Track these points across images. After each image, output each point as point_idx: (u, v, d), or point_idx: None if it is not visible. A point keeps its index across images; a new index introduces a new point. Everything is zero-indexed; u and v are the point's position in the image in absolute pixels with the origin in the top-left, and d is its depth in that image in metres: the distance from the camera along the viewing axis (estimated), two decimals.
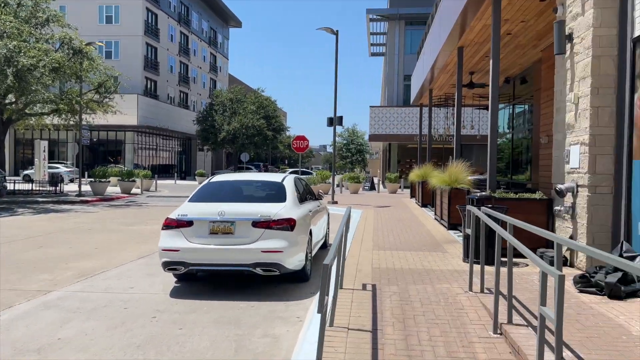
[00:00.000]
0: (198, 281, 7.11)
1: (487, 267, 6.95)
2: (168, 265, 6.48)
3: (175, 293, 6.48)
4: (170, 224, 6.53)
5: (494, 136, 9.18)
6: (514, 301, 4.86)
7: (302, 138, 22.08)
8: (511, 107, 17.10)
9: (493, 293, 5.70)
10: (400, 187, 32.20)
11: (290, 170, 37.14)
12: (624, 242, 6.17)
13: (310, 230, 7.33)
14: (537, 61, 13.45)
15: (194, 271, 6.60)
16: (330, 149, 68.52)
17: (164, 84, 51.99)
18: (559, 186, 7.25)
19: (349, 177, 28.61)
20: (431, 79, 17.46)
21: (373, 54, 53.83)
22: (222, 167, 61.34)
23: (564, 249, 7.20)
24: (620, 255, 6.08)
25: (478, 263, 6.97)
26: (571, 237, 7.23)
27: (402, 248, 8.99)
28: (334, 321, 4.74)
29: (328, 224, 10.27)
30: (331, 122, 18.93)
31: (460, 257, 8.06)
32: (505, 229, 4.74)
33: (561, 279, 2.94)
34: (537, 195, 8.18)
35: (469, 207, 6.08)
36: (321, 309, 3.53)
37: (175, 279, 7.11)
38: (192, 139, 55.80)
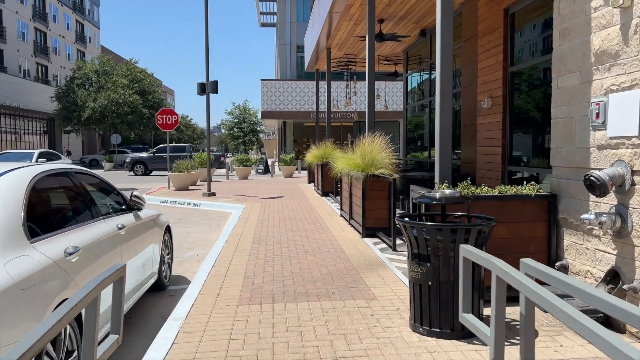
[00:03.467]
0: None
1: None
2: None
3: None
4: None
5: (447, 101, 5.29)
6: None
7: (169, 112, 17.24)
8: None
9: None
10: (297, 169, 28.80)
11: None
12: None
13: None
14: (465, 1, 10.08)
15: None
16: (224, 130, 62.79)
17: (13, 53, 42.98)
18: (596, 174, 3.66)
19: (237, 160, 24.22)
20: (329, 32, 13.56)
21: (263, 24, 49.20)
22: (96, 151, 53.43)
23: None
24: None
25: (446, 337, 3.28)
26: (614, 271, 3.71)
27: (293, 291, 5.01)
28: None
29: (170, 244, 6.10)
30: (203, 88, 14.39)
31: (401, 312, 4.26)
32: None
33: None
34: (530, 189, 4.59)
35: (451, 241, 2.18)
36: None
37: None
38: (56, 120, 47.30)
